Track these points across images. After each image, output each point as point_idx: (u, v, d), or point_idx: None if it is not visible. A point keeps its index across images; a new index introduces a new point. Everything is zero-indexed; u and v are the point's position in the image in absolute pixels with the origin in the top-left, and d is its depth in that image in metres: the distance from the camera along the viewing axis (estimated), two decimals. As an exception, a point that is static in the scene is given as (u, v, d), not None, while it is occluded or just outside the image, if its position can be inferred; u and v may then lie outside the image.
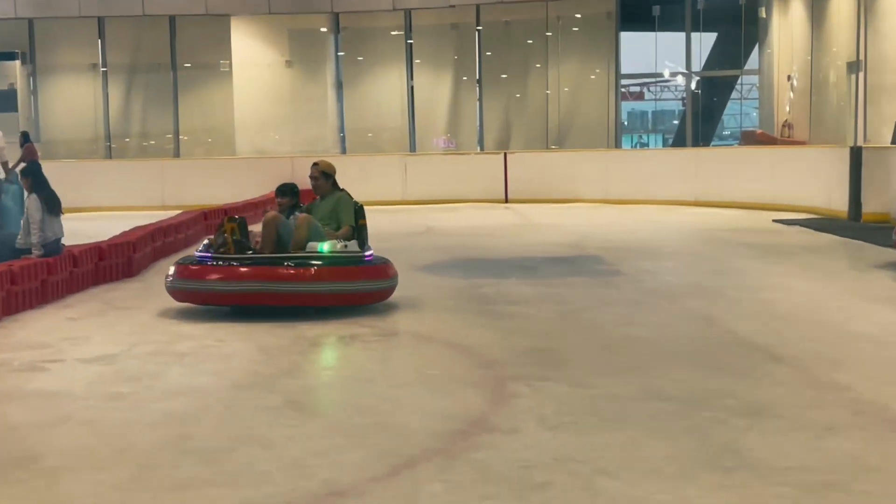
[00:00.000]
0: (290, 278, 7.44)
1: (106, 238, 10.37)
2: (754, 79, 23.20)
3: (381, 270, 7.76)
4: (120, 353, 6.48)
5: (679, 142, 24.58)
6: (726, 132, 32.29)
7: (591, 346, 6.50)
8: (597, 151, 20.40)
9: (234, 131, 22.60)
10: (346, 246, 7.74)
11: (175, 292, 7.75)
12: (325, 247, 7.64)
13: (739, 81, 25.69)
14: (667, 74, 23.95)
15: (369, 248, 7.99)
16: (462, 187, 19.72)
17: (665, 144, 37.10)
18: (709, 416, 4.72)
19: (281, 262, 7.50)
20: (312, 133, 22.98)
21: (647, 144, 39.07)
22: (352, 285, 7.61)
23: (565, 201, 19.09)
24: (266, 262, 7.52)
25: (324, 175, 8.29)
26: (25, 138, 19.01)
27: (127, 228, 11.36)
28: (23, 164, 18.50)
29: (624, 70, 21.88)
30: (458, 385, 5.58)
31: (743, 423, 4.61)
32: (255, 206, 16.82)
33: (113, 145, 22.57)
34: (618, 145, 21.99)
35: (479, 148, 22.34)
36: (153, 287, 9.46)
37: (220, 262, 7.56)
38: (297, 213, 8.05)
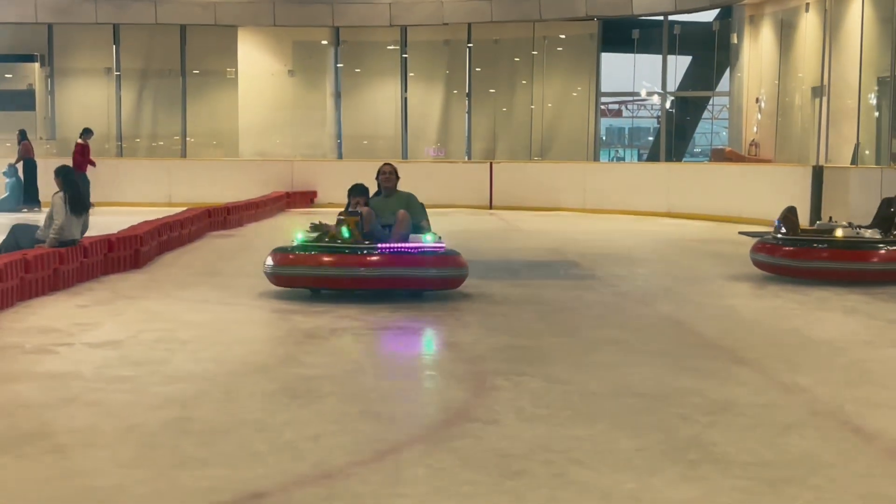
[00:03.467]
0: (416, 264, 7.91)
1: (115, 231, 10.33)
2: (725, 100, 23.26)
3: (460, 259, 8.18)
4: (126, 339, 6.46)
5: (653, 157, 24.60)
6: (697, 149, 32.35)
7: (567, 345, 6.50)
8: (576, 164, 20.42)
9: (239, 135, 22.54)
10: (440, 238, 8.15)
11: (323, 280, 7.98)
12: (428, 237, 8.11)
13: (711, 102, 25.76)
14: (643, 94, 23.99)
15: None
16: (450, 194, 19.69)
17: (640, 159, 37.13)
18: (675, 412, 4.73)
19: (412, 252, 7.94)
20: (311, 138, 22.94)
21: (624, 158, 39.12)
22: (449, 272, 8.07)
23: (546, 209, 19.10)
24: (398, 252, 7.95)
25: (395, 173, 8.88)
26: (22, 136, 18.88)
27: (135, 223, 11.32)
28: (20, 160, 18.46)
29: (604, 88, 21.91)
30: (442, 378, 5.59)
31: (707, 419, 4.62)
32: (256, 206, 16.81)
33: (124, 145, 22.48)
34: (596, 158, 22.01)
35: (466, 157, 22.34)
36: (158, 278, 9.44)
37: (351, 252, 7.89)
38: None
